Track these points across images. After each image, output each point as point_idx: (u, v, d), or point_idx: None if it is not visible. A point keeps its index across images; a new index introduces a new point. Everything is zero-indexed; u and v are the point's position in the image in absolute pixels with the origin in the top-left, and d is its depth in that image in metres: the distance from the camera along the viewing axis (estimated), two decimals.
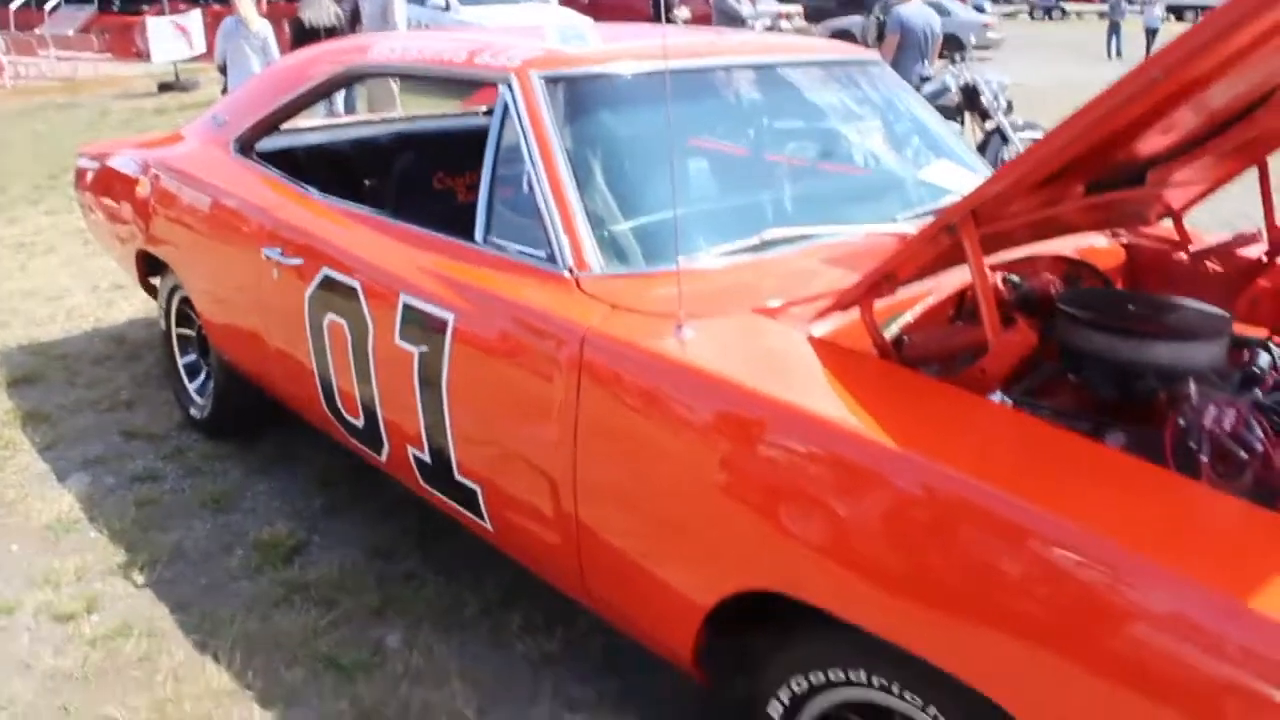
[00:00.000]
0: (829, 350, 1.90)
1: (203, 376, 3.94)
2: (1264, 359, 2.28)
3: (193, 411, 3.95)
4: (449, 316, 2.37)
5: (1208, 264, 2.73)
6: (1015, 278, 2.47)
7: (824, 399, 1.77)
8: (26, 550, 3.23)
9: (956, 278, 2.27)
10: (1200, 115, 1.91)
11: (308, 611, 2.89)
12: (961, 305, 2.31)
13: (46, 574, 3.08)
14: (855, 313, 1.98)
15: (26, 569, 3.12)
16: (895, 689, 1.68)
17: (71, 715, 2.53)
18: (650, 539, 2.00)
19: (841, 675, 1.75)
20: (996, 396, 1.92)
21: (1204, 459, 1.81)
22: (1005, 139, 7.47)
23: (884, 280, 1.84)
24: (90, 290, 5.57)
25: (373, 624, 2.84)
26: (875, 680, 1.70)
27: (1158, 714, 1.35)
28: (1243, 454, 1.82)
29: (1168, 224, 2.73)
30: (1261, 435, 1.84)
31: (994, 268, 2.44)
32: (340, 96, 7.81)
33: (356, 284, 2.68)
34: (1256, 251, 2.64)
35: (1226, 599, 1.32)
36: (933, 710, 1.65)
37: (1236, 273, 2.67)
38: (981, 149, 7.51)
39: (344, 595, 2.95)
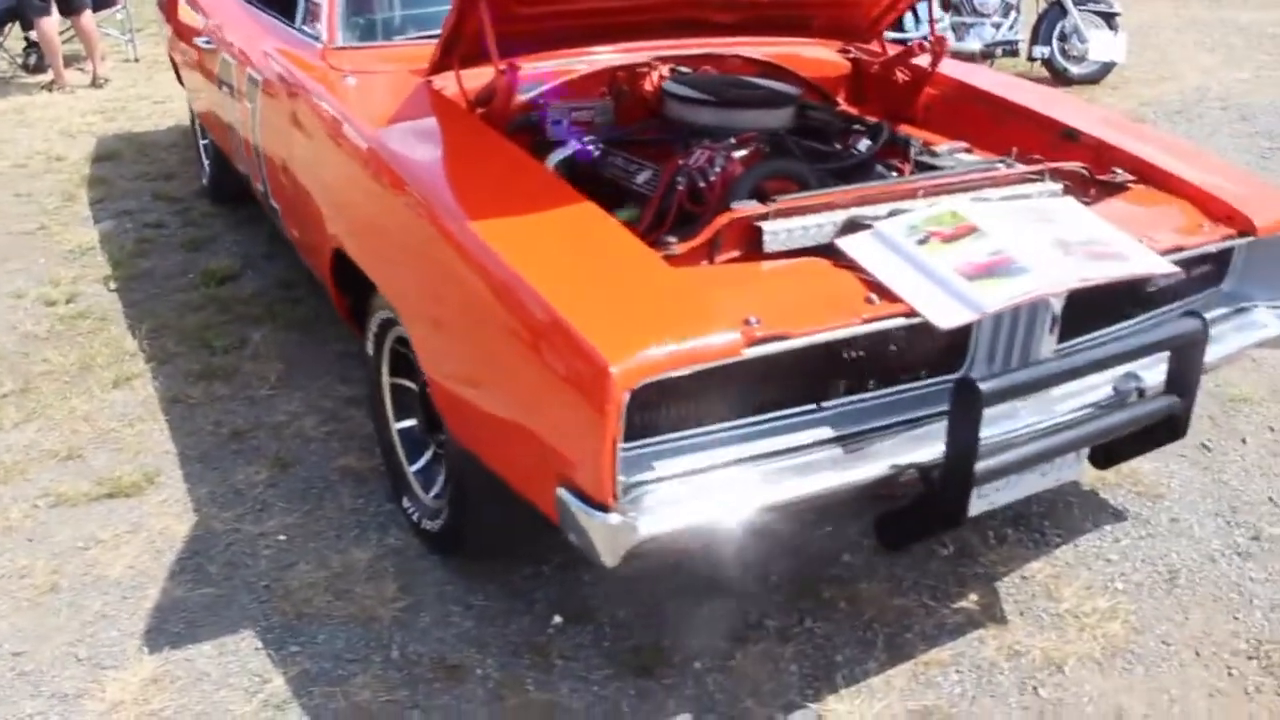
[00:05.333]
0: (431, 94, 2.62)
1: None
2: (864, 144, 2.82)
3: (203, 180, 4.99)
4: (259, 76, 3.21)
5: (898, 73, 3.20)
6: (685, 69, 3.07)
7: (384, 122, 2.51)
8: (50, 263, 4.36)
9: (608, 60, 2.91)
10: None
11: (213, 314, 3.87)
12: (614, 81, 2.93)
13: (53, 278, 4.19)
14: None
15: (42, 273, 4.25)
16: (395, 316, 2.46)
17: (29, 357, 3.60)
18: (306, 212, 2.86)
19: (387, 314, 2.52)
20: (590, 140, 2.61)
21: (680, 186, 2.45)
22: (1064, 10, 7.37)
23: (450, 44, 2.50)
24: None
25: (250, 325, 3.78)
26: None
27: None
28: (701, 183, 2.43)
29: None
30: (718, 172, 2.44)
31: (666, 59, 3.04)
32: None
33: (232, 58, 3.54)
34: (925, 62, 3.09)
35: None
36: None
37: (914, 80, 3.14)
38: (1039, 22, 7.47)
39: (242, 306, 3.92)
